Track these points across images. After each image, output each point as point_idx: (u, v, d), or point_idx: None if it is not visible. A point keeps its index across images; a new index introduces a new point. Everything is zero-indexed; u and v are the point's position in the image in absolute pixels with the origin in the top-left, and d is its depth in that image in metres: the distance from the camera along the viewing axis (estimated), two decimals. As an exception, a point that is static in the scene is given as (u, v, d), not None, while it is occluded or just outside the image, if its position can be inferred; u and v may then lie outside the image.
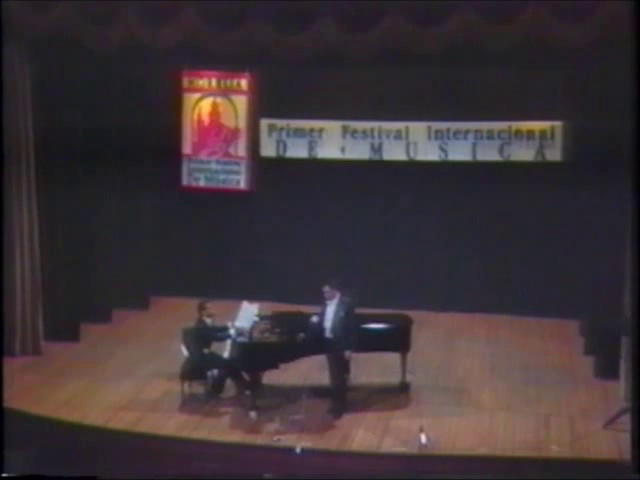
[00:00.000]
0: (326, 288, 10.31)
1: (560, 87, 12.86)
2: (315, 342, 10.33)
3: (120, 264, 13.99)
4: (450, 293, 14.14)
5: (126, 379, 11.37)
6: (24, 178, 12.05)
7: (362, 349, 10.41)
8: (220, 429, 10.02)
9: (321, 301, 10.47)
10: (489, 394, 11.05)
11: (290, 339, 10.37)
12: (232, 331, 10.63)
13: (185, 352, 10.77)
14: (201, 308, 10.75)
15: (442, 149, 13.51)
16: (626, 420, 9.23)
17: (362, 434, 9.91)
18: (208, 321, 10.73)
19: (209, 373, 10.76)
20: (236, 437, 9.84)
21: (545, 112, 13.04)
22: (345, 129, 13.82)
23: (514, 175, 13.37)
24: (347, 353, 10.17)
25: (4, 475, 7.98)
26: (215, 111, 14.29)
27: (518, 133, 13.25)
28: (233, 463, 9.33)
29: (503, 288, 13.84)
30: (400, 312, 11.63)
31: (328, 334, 10.23)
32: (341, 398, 10.35)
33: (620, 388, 10.63)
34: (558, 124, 13.05)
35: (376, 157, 13.77)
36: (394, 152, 13.68)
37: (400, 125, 13.60)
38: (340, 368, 10.27)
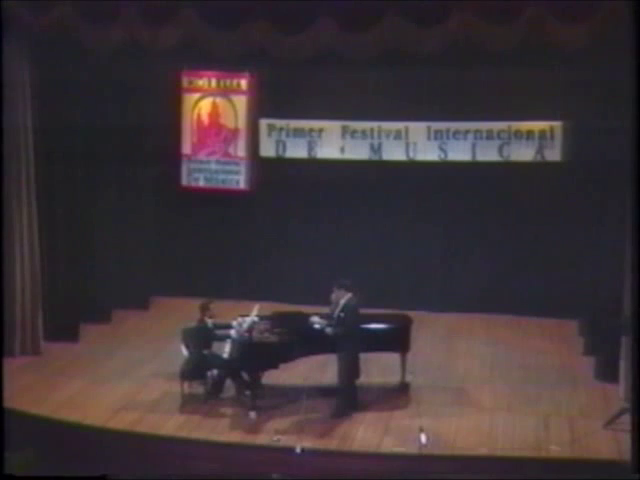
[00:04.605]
0: (334, 289, 10.33)
1: (560, 87, 12.86)
2: (316, 342, 10.36)
3: (120, 264, 14.00)
4: (450, 293, 14.15)
5: (126, 379, 11.36)
6: (24, 178, 12.05)
7: (362, 349, 10.40)
8: (220, 429, 10.01)
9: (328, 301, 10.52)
10: (489, 394, 11.05)
11: (290, 339, 10.38)
12: (232, 332, 10.64)
13: (185, 352, 10.77)
14: (204, 309, 10.74)
15: (442, 149, 13.51)
16: (626, 420, 9.22)
17: (362, 434, 9.91)
18: (209, 322, 10.73)
19: (209, 373, 10.76)
20: (236, 437, 9.83)
21: (545, 112, 13.05)
22: (345, 129, 13.82)
23: (514, 175, 13.38)
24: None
25: (4, 475, 7.98)
26: (215, 111, 14.29)
27: (518, 133, 13.25)
28: (233, 463, 9.33)
29: (503, 288, 13.84)
30: (400, 312, 11.64)
31: (331, 333, 10.24)
32: (345, 398, 10.35)
33: (620, 388, 10.64)
34: (557, 124, 13.05)
35: (376, 157, 13.77)
36: (394, 152, 13.69)
37: (400, 125, 13.59)
38: (346, 368, 10.26)
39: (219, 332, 10.74)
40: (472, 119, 13.31)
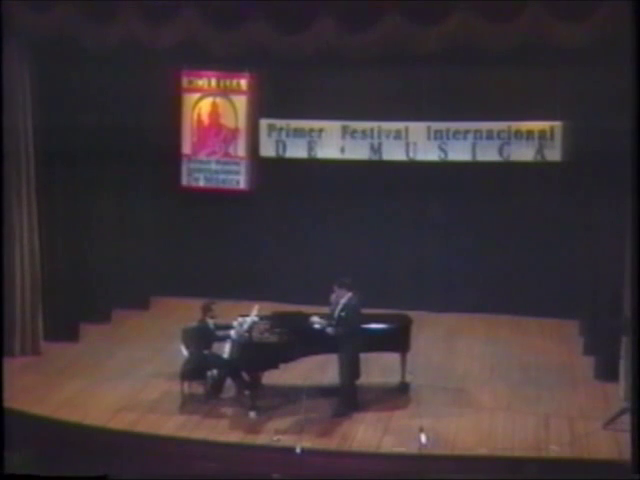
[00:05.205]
0: (335, 288, 10.33)
1: (560, 87, 12.86)
2: (316, 342, 10.36)
3: (120, 264, 14.00)
4: (450, 293, 14.14)
5: (126, 379, 11.36)
6: (24, 178, 12.05)
7: (362, 349, 10.40)
8: (220, 429, 10.02)
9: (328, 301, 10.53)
10: (489, 394, 11.05)
11: (290, 339, 10.37)
12: (232, 332, 10.65)
13: (185, 352, 10.77)
14: (206, 309, 10.73)
15: (442, 149, 13.50)
16: (626, 420, 9.22)
17: (362, 434, 9.91)
18: (210, 322, 10.72)
19: (209, 373, 10.76)
20: (236, 437, 9.84)
21: (545, 112, 13.04)
22: (345, 129, 13.81)
23: (514, 175, 13.38)
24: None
25: (4, 475, 7.98)
26: (215, 111, 14.29)
27: (517, 133, 13.24)
28: (233, 463, 9.33)
29: (503, 288, 13.85)
30: (400, 312, 11.64)
31: (332, 332, 10.24)
32: (346, 398, 10.35)
33: (620, 388, 10.64)
34: (558, 124, 13.04)
35: (376, 157, 13.76)
36: (394, 152, 13.68)
37: (400, 125, 13.59)
38: (347, 368, 10.27)
39: (220, 332, 10.74)
40: (472, 119, 13.30)
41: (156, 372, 11.56)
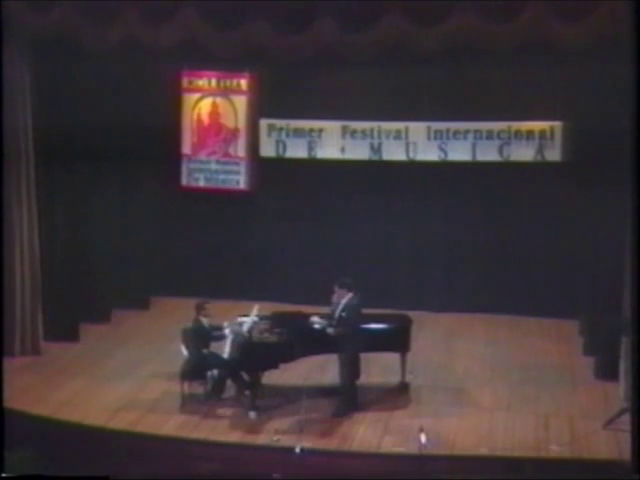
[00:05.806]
0: (335, 288, 10.33)
1: (560, 87, 12.86)
2: (316, 342, 10.36)
3: (120, 264, 14.00)
4: (450, 293, 14.15)
5: (126, 379, 11.36)
6: (24, 178, 12.05)
7: (362, 349, 10.40)
8: (220, 429, 10.02)
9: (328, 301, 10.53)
10: (489, 394, 11.05)
11: (290, 339, 10.37)
12: (227, 331, 10.65)
13: (185, 352, 10.77)
14: (199, 308, 10.73)
15: (442, 149, 13.51)
16: (626, 420, 9.22)
17: (362, 434, 9.91)
18: (204, 321, 10.71)
19: (209, 373, 10.76)
20: (236, 437, 9.84)
21: (545, 112, 13.06)
22: (345, 129, 13.83)
23: (514, 175, 13.38)
24: None
25: (4, 475, 7.98)
26: (215, 111, 14.30)
27: (518, 133, 13.26)
28: (233, 463, 9.33)
29: (503, 288, 13.84)
30: (400, 312, 11.64)
31: (332, 333, 10.24)
32: (346, 398, 10.35)
33: (620, 388, 10.64)
34: (558, 124, 13.06)
35: (376, 157, 13.77)
36: (394, 152, 13.69)
37: (400, 125, 13.60)
38: (347, 368, 10.27)
39: (215, 332, 10.73)
40: (472, 119, 13.31)
41: (156, 372, 11.56)
